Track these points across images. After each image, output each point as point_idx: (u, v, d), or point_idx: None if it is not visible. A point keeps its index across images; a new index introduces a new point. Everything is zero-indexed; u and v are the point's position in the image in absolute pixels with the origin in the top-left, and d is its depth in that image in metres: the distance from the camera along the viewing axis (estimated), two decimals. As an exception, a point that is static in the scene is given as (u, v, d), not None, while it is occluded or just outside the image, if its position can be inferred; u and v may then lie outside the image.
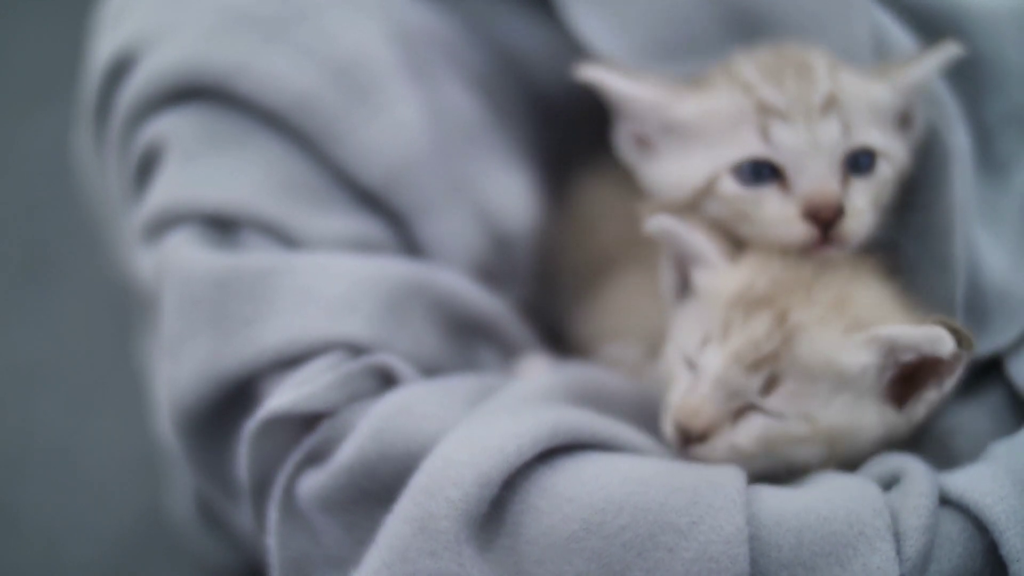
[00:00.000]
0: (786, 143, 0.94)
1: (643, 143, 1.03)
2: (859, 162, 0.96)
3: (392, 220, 1.09)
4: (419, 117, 1.09)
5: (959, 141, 1.03)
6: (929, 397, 0.89)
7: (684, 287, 0.97)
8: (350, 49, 1.08)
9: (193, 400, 0.96)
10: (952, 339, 0.85)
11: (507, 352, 1.08)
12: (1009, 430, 0.95)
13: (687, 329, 0.93)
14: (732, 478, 0.81)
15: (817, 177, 0.93)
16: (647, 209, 0.96)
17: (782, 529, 0.78)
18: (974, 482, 0.82)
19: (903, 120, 1.01)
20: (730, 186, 0.95)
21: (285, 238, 1.03)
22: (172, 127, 1.06)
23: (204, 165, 1.04)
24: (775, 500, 0.80)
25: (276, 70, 1.05)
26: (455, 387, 0.92)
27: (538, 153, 1.27)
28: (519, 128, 1.26)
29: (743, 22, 1.14)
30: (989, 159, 1.08)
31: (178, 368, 0.97)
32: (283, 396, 0.90)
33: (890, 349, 0.87)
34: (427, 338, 1.00)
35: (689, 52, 1.13)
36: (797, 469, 0.88)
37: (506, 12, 1.26)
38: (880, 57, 1.06)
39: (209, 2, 1.09)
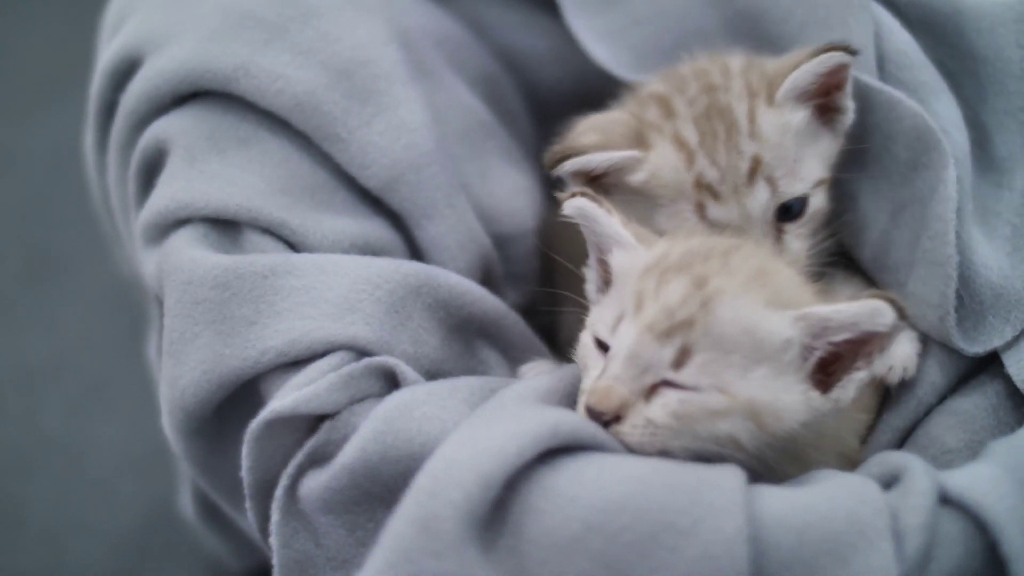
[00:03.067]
0: (721, 220, 1.00)
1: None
2: (791, 209, 1.01)
3: (394, 221, 1.09)
4: (421, 118, 1.09)
5: (957, 142, 1.03)
6: (858, 377, 0.87)
7: (606, 285, 0.96)
8: (352, 51, 1.08)
9: (195, 401, 0.96)
10: (892, 310, 0.84)
11: (509, 353, 1.09)
12: (1008, 425, 0.96)
13: (603, 311, 0.92)
14: (733, 478, 0.81)
15: None
16: (564, 195, 0.96)
17: (782, 528, 0.78)
18: (974, 481, 0.82)
19: (828, 110, 1.03)
20: None
21: (287, 239, 1.03)
22: (175, 128, 1.06)
23: (207, 166, 1.04)
24: (775, 499, 0.80)
25: (278, 71, 1.06)
26: (456, 388, 0.92)
27: (537, 154, 1.27)
28: (520, 129, 1.27)
29: (743, 26, 1.14)
30: (988, 158, 1.08)
31: (180, 369, 0.97)
32: (285, 397, 0.91)
33: (823, 329, 0.86)
34: (429, 338, 1.00)
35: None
36: (728, 447, 0.85)
37: (508, 13, 1.26)
38: (880, 59, 1.06)
39: (212, 4, 1.09)
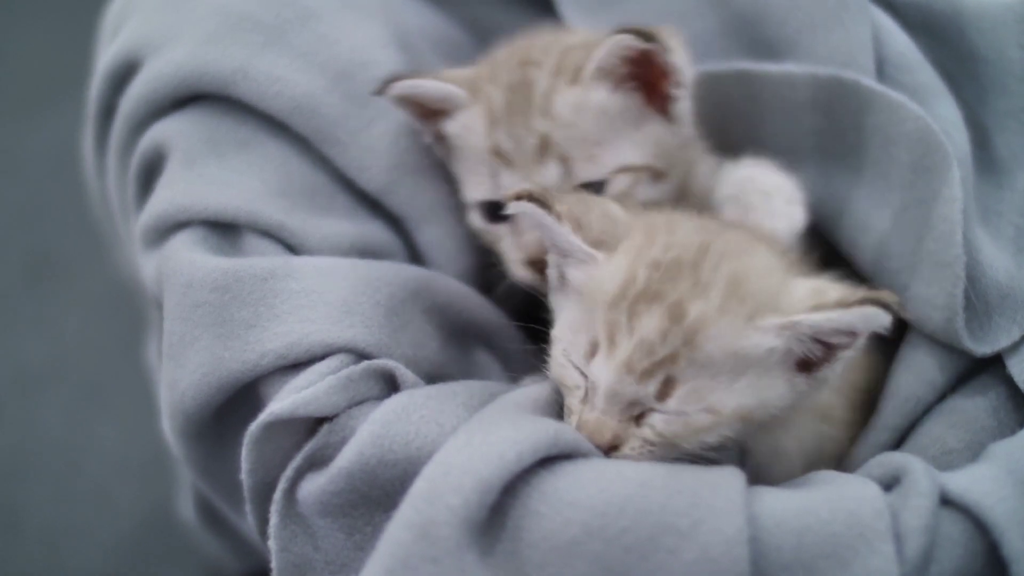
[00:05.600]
0: (510, 188, 0.96)
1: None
2: (592, 188, 1.00)
3: (394, 223, 1.09)
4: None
5: (958, 144, 1.03)
6: (846, 356, 0.86)
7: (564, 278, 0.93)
8: (351, 53, 1.09)
9: (194, 404, 0.96)
10: (886, 313, 0.82)
11: (504, 358, 1.08)
12: (1008, 427, 0.96)
13: (573, 334, 0.90)
14: (732, 479, 0.81)
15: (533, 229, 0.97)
16: (509, 194, 0.92)
17: (783, 530, 0.78)
18: (975, 483, 0.82)
19: (663, 97, 1.01)
20: (477, 219, 1.05)
21: (286, 242, 1.03)
22: (174, 132, 1.06)
23: (206, 169, 1.04)
24: (775, 501, 0.80)
25: (276, 74, 1.06)
26: (455, 392, 0.92)
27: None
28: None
29: (741, 29, 1.14)
30: (989, 158, 1.08)
31: (180, 372, 0.97)
32: (284, 400, 0.90)
33: (813, 335, 0.84)
34: (427, 342, 1.00)
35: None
36: (719, 445, 0.86)
37: (506, 15, 1.26)
38: (880, 62, 1.06)
39: (210, 7, 1.09)
